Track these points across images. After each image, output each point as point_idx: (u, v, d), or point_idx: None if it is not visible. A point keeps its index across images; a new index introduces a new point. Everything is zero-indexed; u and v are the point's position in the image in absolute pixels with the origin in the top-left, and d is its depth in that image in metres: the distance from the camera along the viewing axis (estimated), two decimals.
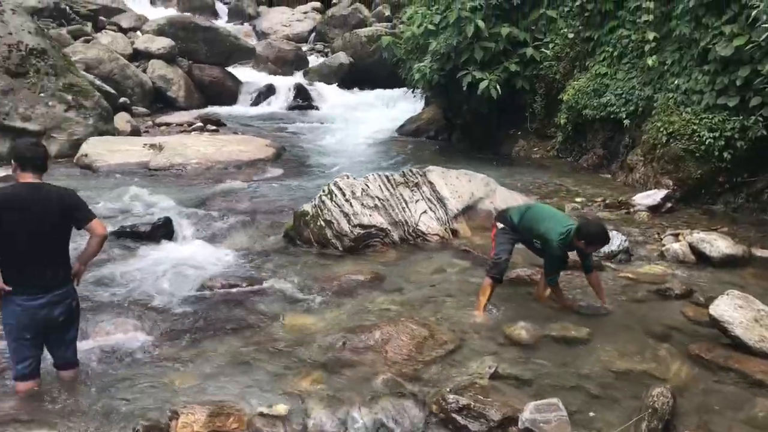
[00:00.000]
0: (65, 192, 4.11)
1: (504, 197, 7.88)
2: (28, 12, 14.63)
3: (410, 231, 7.31)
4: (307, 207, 7.38)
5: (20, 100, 11.19)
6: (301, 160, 11.69)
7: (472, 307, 5.63)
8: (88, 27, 18.32)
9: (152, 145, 11.20)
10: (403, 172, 7.71)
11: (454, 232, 7.48)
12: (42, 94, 11.42)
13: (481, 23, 10.77)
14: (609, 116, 10.13)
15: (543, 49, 11.15)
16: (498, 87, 10.89)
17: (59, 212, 3.98)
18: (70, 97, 11.64)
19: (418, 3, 13.15)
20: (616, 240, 6.94)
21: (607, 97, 10.14)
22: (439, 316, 5.49)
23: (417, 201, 7.49)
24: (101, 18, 19.45)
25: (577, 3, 10.82)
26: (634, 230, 7.68)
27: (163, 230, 7.43)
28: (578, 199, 8.86)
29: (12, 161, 3.95)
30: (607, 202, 8.72)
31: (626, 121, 9.84)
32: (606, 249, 6.88)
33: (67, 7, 18.99)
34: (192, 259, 6.88)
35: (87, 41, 16.18)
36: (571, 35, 10.96)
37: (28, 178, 3.94)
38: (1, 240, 3.83)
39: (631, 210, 8.33)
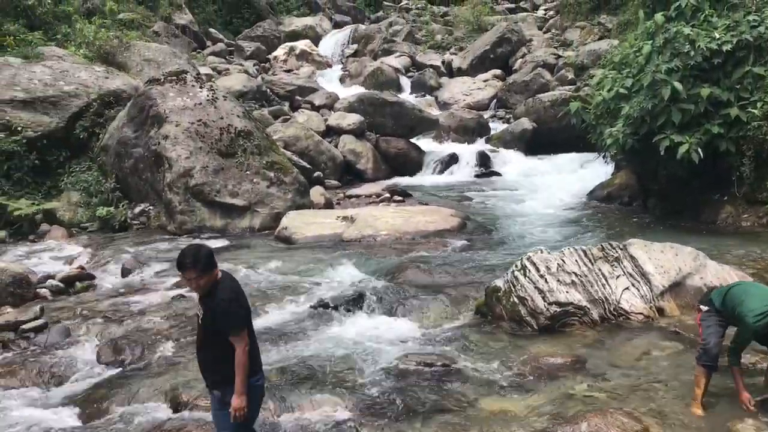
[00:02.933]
0: None
1: (716, 272, 7.21)
2: (235, 95, 16.18)
3: (611, 309, 6.88)
4: (499, 282, 7.22)
5: (229, 178, 12.22)
6: (486, 229, 11.58)
7: (687, 398, 5.13)
8: (286, 106, 19.82)
9: (344, 218, 11.66)
10: (601, 245, 7.33)
11: (660, 311, 6.93)
12: (248, 172, 12.39)
13: (678, 85, 10.19)
14: None
15: (750, 109, 10.30)
16: (699, 150, 10.17)
17: None
18: (272, 174, 12.53)
19: (607, 66, 12.78)
20: None
21: None
22: (651, 408, 5.05)
23: (618, 277, 7.06)
24: (297, 97, 20.96)
25: None
26: None
27: (358, 303, 7.63)
28: None
29: (213, 265, 4.17)
30: None
31: None
32: None
33: (268, 90, 20.73)
34: (386, 333, 6.97)
35: (285, 120, 17.46)
36: None
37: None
38: (249, 325, 4.25)
39: None
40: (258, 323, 6.89)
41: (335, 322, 7.25)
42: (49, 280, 8.95)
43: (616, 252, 7.26)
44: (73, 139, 13.69)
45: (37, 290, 8.69)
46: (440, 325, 7.08)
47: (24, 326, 7.17)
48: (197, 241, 10.89)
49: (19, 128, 13.07)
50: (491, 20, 28.64)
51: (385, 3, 38.18)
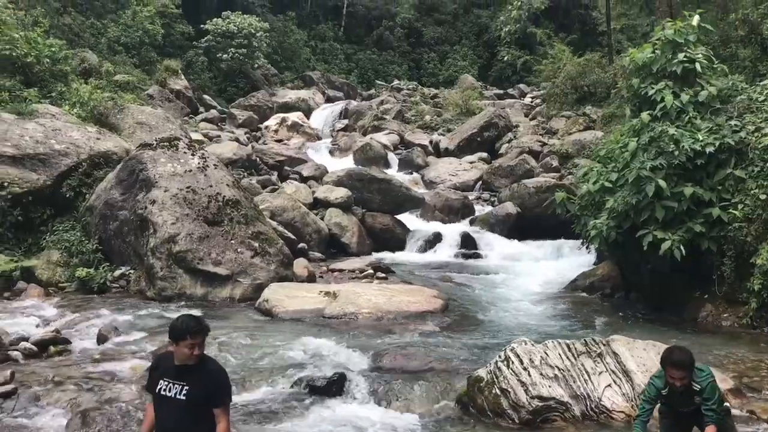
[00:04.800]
0: None
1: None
2: (225, 163, 16.29)
3: (593, 406, 6.82)
4: (482, 372, 7.15)
5: (213, 246, 12.15)
6: (469, 313, 11.54)
7: None
8: (274, 176, 20.00)
9: (327, 293, 11.58)
10: (585, 340, 7.33)
11: None
12: (232, 241, 12.35)
13: (662, 183, 10.44)
14: None
15: (731, 210, 10.54)
16: (681, 248, 10.33)
17: None
18: (256, 245, 12.50)
19: (593, 159, 13.08)
20: None
21: None
22: None
23: (600, 373, 7.03)
24: (286, 168, 21.21)
25: None
26: None
27: (338, 385, 7.49)
28: None
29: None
30: None
31: None
32: None
33: (258, 158, 20.97)
34: (365, 420, 6.84)
35: (273, 190, 17.58)
36: (763, 196, 10.30)
37: None
38: None
39: None
40: (234, 401, 6.74)
41: (314, 405, 7.11)
42: (22, 342, 8.72)
43: (599, 348, 7.26)
44: (59, 197, 13.62)
45: (9, 352, 8.46)
46: (421, 414, 6.96)
47: None
48: (182, 308, 10.75)
49: (5, 183, 12.99)
50: (479, 104, 29.46)
51: (378, 82, 39.24)
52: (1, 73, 17.04)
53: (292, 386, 7.52)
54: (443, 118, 29.27)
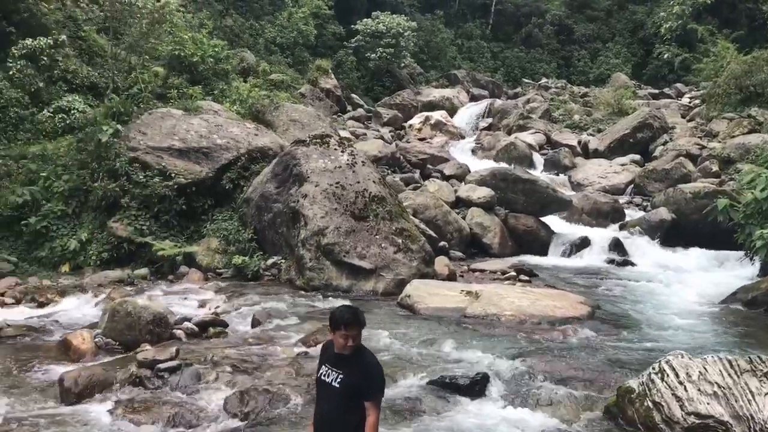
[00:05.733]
0: None
1: None
2: (371, 160, 16.65)
3: (757, 429, 6.31)
4: (633, 383, 6.84)
5: (359, 240, 12.49)
6: (617, 322, 11.05)
7: None
8: (417, 174, 20.20)
9: (468, 293, 11.53)
10: (749, 357, 6.81)
11: None
12: (377, 236, 12.63)
13: None
14: None
15: None
16: None
17: None
18: (400, 241, 12.70)
19: (760, 162, 12.14)
20: None
21: None
22: None
23: (766, 394, 6.50)
24: (428, 166, 21.35)
25: None
26: None
27: (480, 386, 7.44)
28: None
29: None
30: None
31: None
32: None
33: (401, 156, 21.27)
34: (506, 423, 6.74)
35: (416, 188, 17.77)
36: None
37: None
38: None
39: None
40: None
41: (455, 403, 7.10)
42: (185, 323, 9.41)
43: (766, 367, 6.71)
44: (219, 188, 14.56)
45: (173, 331, 9.15)
46: (564, 422, 6.76)
47: (160, 365, 7.53)
48: (325, 298, 11.16)
49: (173, 174, 14.06)
50: (633, 104, 28.20)
51: (524, 80, 38.53)
52: (171, 72, 18.46)
53: (431, 383, 7.54)
54: (593, 117, 28.29)
